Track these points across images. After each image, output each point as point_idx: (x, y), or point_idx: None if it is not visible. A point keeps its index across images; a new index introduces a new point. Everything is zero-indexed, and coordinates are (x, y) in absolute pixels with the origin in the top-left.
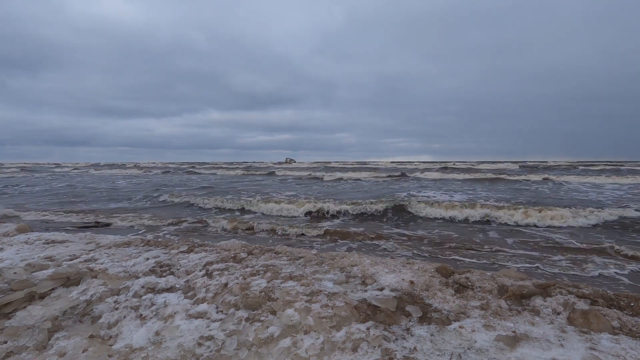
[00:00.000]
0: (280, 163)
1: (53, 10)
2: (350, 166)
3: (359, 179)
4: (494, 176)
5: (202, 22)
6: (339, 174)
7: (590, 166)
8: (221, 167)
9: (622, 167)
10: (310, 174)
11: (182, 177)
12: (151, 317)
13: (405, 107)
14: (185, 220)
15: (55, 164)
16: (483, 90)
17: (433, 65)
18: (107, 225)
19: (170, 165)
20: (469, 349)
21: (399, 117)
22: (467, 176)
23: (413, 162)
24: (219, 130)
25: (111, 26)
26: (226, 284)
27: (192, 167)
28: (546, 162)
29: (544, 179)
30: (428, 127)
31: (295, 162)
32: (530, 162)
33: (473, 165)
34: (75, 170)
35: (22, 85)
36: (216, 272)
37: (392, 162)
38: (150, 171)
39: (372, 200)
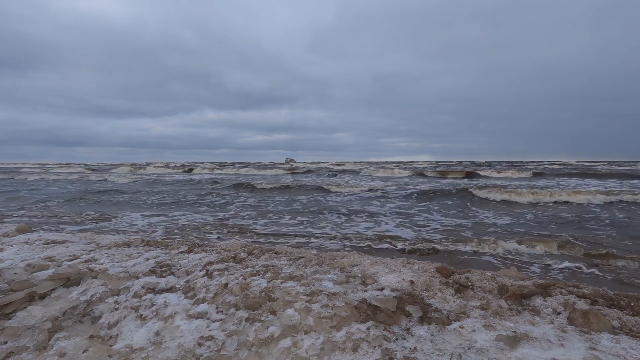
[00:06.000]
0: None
1: (36, 6)
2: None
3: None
4: None
5: (189, 20)
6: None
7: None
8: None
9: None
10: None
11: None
12: (151, 318)
13: (403, 106)
14: None
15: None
16: (482, 89)
17: (430, 63)
18: None
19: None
20: (469, 348)
21: (397, 117)
22: None
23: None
24: (216, 130)
25: (97, 23)
26: (226, 284)
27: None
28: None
29: None
30: (427, 126)
31: (295, 162)
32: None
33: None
34: None
35: (13, 84)
36: (216, 272)
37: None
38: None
39: None
